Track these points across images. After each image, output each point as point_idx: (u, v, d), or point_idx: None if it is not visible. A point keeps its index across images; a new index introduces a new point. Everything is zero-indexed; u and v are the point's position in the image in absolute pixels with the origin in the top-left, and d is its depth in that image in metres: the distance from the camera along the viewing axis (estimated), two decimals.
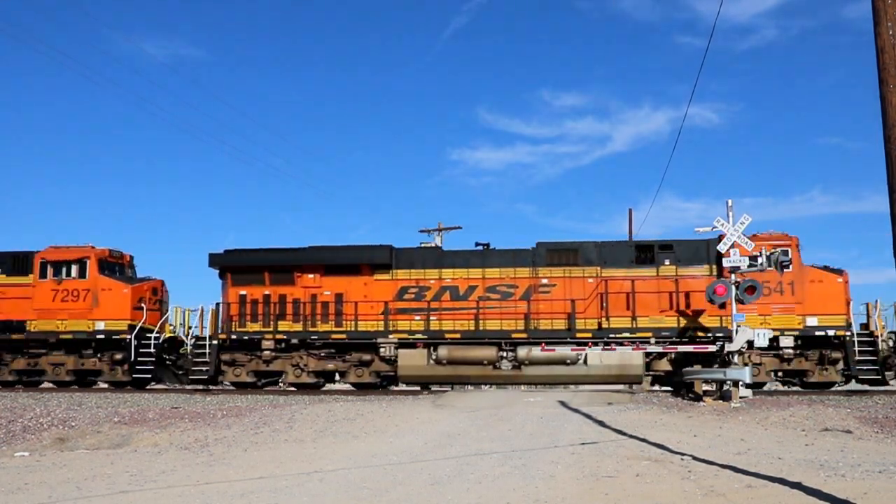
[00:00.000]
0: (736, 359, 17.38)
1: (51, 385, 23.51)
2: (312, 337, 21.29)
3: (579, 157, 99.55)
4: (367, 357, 21.13)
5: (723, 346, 17.95)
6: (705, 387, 17.32)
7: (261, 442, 11.52)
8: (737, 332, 17.38)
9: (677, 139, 77.92)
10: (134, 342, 21.75)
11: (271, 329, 21.63)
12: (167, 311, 23.41)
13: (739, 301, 17.60)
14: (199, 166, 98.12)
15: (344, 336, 21.16)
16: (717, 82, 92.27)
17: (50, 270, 22.50)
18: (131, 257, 23.88)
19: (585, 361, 19.94)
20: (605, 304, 20.31)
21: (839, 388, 20.20)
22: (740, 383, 16.41)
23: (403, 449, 10.43)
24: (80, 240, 24.41)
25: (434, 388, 21.78)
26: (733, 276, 17.77)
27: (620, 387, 21.56)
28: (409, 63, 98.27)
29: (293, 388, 21.98)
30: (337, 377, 22.12)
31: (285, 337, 21.41)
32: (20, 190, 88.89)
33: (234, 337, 21.59)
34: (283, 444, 11.25)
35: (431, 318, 20.93)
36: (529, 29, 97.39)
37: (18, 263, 22.82)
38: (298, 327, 21.53)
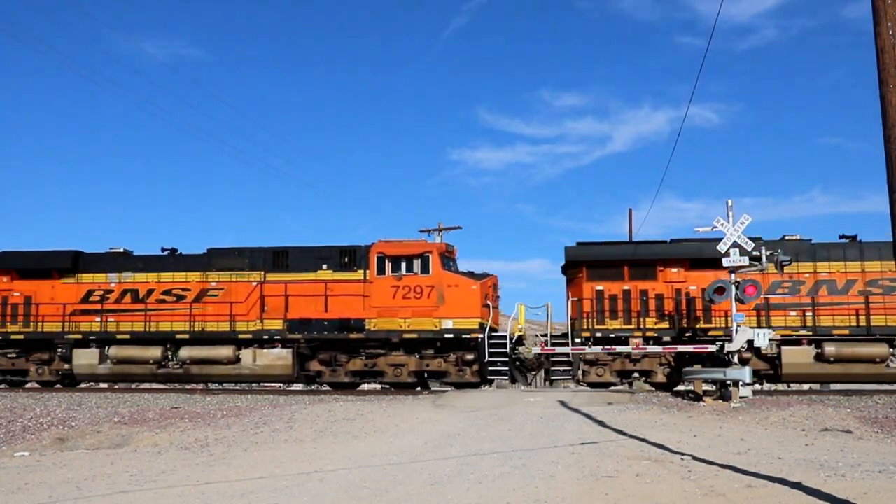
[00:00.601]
0: (735, 358, 17.38)
1: (380, 386, 22.46)
2: (686, 335, 20.30)
3: (579, 157, 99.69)
4: (744, 355, 19.89)
5: None
6: (705, 387, 17.33)
7: (261, 442, 11.53)
8: (737, 331, 17.38)
9: (677, 139, 77.92)
10: (487, 342, 20.43)
11: (638, 326, 20.71)
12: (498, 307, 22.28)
13: (739, 301, 17.59)
14: (199, 166, 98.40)
15: (721, 332, 19.76)
16: (717, 82, 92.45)
17: (388, 266, 20.99)
18: (457, 251, 22.49)
19: None
20: None
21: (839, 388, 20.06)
22: (740, 383, 16.42)
23: (403, 449, 10.43)
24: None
25: (434, 388, 21.63)
26: (732, 275, 17.76)
27: (621, 387, 21.50)
28: (409, 63, 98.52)
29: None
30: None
31: (656, 335, 20.38)
32: (20, 190, 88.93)
33: (598, 335, 20.63)
34: (283, 444, 11.25)
35: (809, 313, 20.12)
36: (529, 29, 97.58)
37: (346, 258, 21.43)
38: (665, 324, 20.59)
